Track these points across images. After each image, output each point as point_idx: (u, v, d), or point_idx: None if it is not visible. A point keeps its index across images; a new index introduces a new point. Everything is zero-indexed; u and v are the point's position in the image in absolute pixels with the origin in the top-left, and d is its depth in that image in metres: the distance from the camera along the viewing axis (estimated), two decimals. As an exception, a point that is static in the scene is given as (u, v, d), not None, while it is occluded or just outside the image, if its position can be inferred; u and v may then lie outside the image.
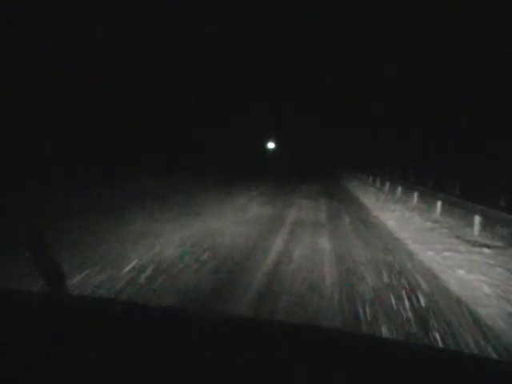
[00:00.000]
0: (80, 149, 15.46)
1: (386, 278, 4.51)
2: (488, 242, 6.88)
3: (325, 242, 6.26)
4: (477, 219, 7.63)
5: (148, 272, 4.34)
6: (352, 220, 8.85)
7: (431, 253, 5.93)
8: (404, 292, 4.08)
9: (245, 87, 36.66)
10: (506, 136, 13.16)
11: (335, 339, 1.14)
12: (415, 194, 12.38)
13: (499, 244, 6.73)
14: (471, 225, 7.82)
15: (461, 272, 4.92)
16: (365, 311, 3.50)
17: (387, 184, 16.83)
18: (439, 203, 9.98)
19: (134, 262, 4.68)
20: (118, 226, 6.79)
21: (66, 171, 14.06)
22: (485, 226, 7.69)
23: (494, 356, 2.81)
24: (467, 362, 1.02)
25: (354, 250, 5.80)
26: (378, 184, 19.05)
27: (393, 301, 3.81)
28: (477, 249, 6.28)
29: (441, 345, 2.91)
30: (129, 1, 19.11)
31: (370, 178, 22.15)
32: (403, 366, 0.95)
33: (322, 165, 41.82)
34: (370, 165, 25.13)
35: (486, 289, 4.29)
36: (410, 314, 3.49)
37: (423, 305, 3.75)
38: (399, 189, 14.66)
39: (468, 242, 6.80)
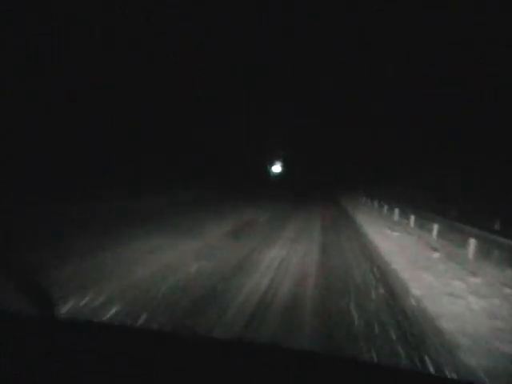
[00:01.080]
0: (81, 150, 15.47)
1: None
2: None
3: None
4: None
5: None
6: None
7: None
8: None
9: (245, 87, 36.68)
10: (506, 136, 13.17)
11: (331, 365, 1.13)
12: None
13: None
14: None
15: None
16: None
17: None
18: None
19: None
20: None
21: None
22: None
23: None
24: None
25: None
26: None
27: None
28: None
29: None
30: (129, 1, 19.11)
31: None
32: None
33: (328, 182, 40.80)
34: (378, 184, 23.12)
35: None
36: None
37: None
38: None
39: None
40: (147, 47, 20.55)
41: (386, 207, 14.75)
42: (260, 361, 1.08)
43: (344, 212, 14.80)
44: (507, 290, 4.74)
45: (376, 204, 16.83)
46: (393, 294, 4.31)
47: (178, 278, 4.36)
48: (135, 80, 19.09)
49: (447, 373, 2.62)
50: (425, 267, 5.77)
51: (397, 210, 12.46)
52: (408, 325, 3.38)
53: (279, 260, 5.64)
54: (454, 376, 2.66)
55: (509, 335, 3.32)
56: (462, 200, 12.65)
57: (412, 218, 10.74)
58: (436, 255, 6.83)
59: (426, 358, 2.76)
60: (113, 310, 3.24)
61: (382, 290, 4.43)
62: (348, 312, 3.60)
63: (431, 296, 4.34)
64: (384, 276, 5.17)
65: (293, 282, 4.52)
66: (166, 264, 4.96)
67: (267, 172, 48.37)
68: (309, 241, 7.54)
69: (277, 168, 50.91)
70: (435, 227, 8.74)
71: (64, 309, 3.19)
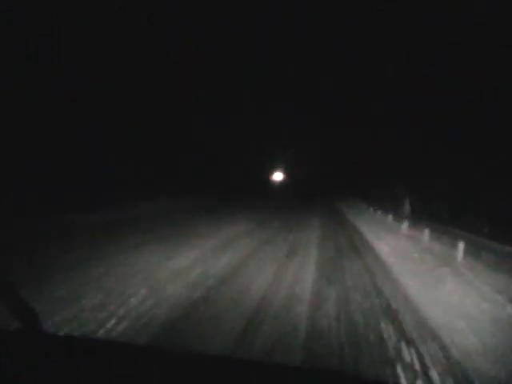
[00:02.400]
0: (81, 150, 15.45)
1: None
2: None
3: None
4: None
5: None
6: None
7: None
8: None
9: (245, 87, 36.64)
10: (506, 136, 13.16)
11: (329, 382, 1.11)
12: None
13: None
14: None
15: None
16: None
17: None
18: None
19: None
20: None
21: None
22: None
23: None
24: None
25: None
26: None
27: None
28: None
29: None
30: (129, 1, 19.09)
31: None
32: None
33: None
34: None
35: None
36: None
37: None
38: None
39: None
40: (147, 47, 20.54)
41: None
42: (257, 378, 1.07)
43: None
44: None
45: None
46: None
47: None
48: (135, 80, 19.08)
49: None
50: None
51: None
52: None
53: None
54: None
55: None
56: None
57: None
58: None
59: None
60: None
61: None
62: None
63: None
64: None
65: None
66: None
67: (266, 179, 48.11)
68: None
69: (278, 176, 50.85)
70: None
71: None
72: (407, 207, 12.30)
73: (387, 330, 3.95)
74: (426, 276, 6.55)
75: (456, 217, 10.01)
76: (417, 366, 3.21)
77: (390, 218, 15.09)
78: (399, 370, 3.11)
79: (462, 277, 6.63)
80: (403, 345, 3.61)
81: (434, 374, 3.08)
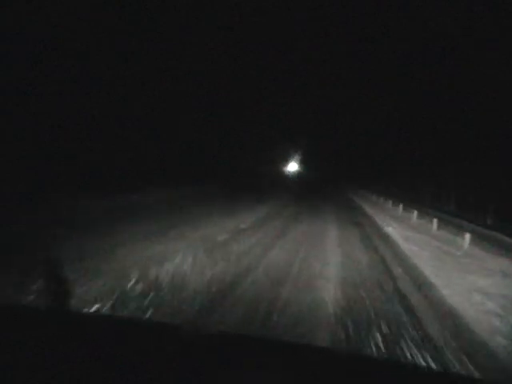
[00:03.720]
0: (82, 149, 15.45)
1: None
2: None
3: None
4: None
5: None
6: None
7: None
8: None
9: (245, 87, 36.67)
10: (506, 136, 13.16)
11: (333, 359, 1.12)
12: None
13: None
14: None
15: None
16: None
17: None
18: None
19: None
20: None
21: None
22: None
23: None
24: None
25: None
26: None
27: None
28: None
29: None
30: (129, 1, 19.10)
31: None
32: None
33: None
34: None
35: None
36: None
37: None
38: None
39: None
40: (147, 47, 20.54)
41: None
42: (261, 354, 1.07)
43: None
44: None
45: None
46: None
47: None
48: (135, 80, 19.08)
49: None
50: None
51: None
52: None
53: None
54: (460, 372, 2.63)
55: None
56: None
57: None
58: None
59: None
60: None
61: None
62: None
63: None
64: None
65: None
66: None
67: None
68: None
69: (293, 166, 50.35)
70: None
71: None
72: None
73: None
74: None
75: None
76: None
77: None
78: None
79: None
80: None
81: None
